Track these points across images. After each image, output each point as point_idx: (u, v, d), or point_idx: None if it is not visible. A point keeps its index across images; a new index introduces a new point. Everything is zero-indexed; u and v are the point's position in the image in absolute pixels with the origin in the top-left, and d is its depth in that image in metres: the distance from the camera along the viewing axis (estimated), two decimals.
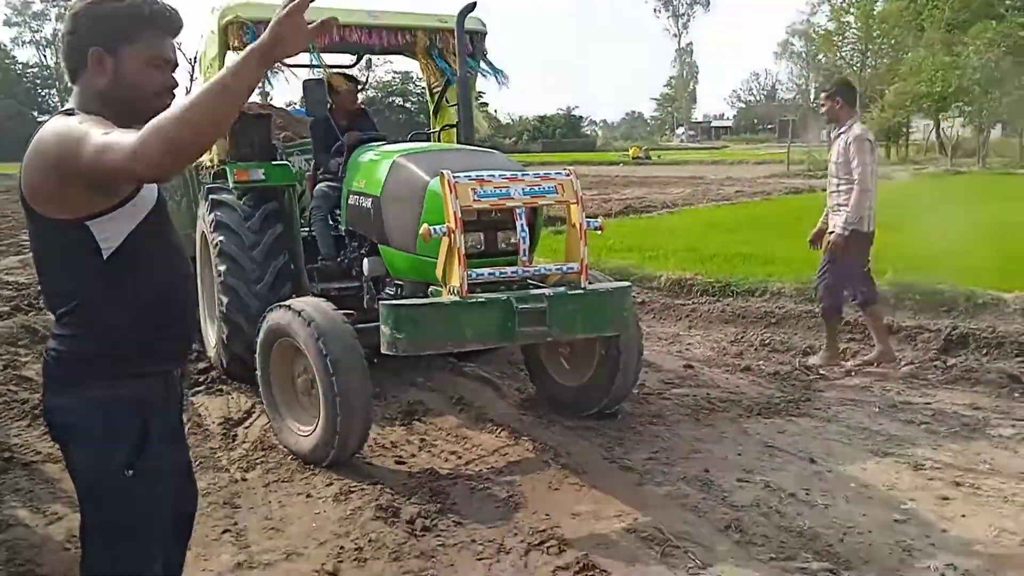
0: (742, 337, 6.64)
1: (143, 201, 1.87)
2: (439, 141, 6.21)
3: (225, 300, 5.29)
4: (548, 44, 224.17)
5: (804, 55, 54.68)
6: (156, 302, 1.93)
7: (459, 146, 5.13)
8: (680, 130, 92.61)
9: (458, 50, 5.21)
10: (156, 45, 1.88)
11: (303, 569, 3.19)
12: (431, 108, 6.79)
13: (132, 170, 1.62)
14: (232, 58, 5.43)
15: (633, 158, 51.89)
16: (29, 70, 74.44)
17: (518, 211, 3.93)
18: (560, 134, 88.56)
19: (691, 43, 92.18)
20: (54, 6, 75.03)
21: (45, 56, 75.80)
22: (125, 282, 1.85)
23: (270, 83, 6.03)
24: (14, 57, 73.28)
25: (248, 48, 1.62)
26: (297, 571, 3.19)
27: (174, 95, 1.99)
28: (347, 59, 6.99)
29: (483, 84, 6.35)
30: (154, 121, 1.58)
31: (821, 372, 5.63)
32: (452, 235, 3.77)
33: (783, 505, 3.60)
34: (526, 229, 3.94)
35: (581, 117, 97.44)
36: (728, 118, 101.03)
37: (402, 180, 4.39)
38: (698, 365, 5.91)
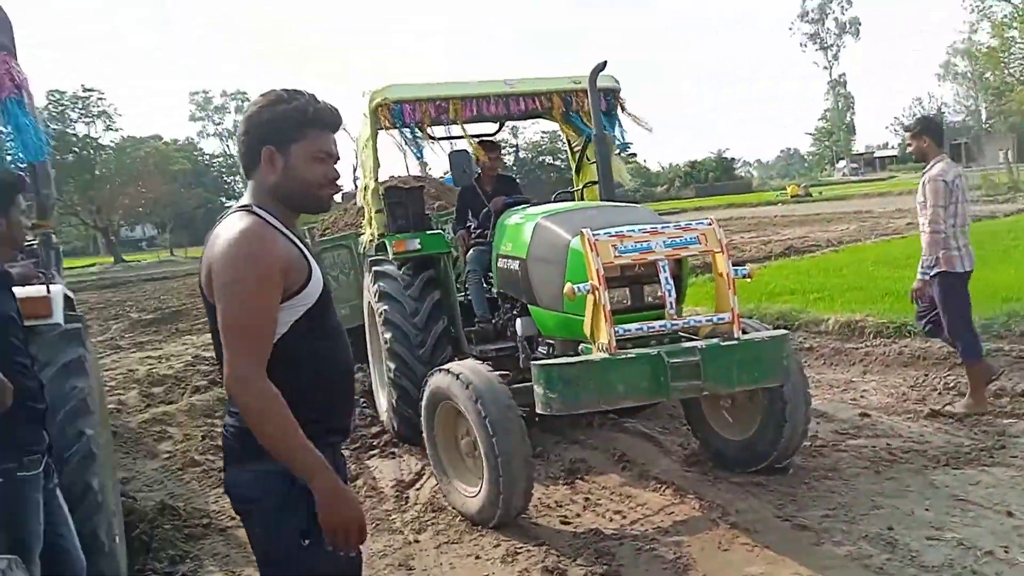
0: (923, 381, 6.18)
1: (307, 297, 2.01)
2: (583, 199, 6.30)
3: (392, 366, 5.57)
4: (695, 89, 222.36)
5: (969, 75, 51.18)
6: (320, 382, 2.05)
7: (600, 203, 5.19)
8: (841, 163, 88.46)
9: (592, 108, 5.31)
10: (320, 141, 2.05)
11: None
12: (574, 167, 6.92)
13: (227, 382, 1.90)
14: (381, 138, 5.87)
15: (792, 196, 50.00)
16: (215, 160, 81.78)
17: (661, 264, 3.91)
18: (713, 178, 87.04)
19: (843, 73, 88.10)
20: (233, 100, 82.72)
21: (228, 146, 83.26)
22: (291, 365, 1.99)
23: (419, 154, 6.36)
24: (200, 149, 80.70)
25: (315, 468, 1.88)
26: None
27: (337, 186, 2.17)
28: (490, 127, 7.28)
29: (632, 134, 6.43)
30: (269, 400, 1.86)
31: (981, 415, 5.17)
32: (596, 292, 3.80)
33: (980, 565, 3.29)
34: (671, 282, 3.91)
35: (733, 159, 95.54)
36: (892, 147, 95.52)
37: (545, 241, 4.49)
38: (875, 413, 5.55)
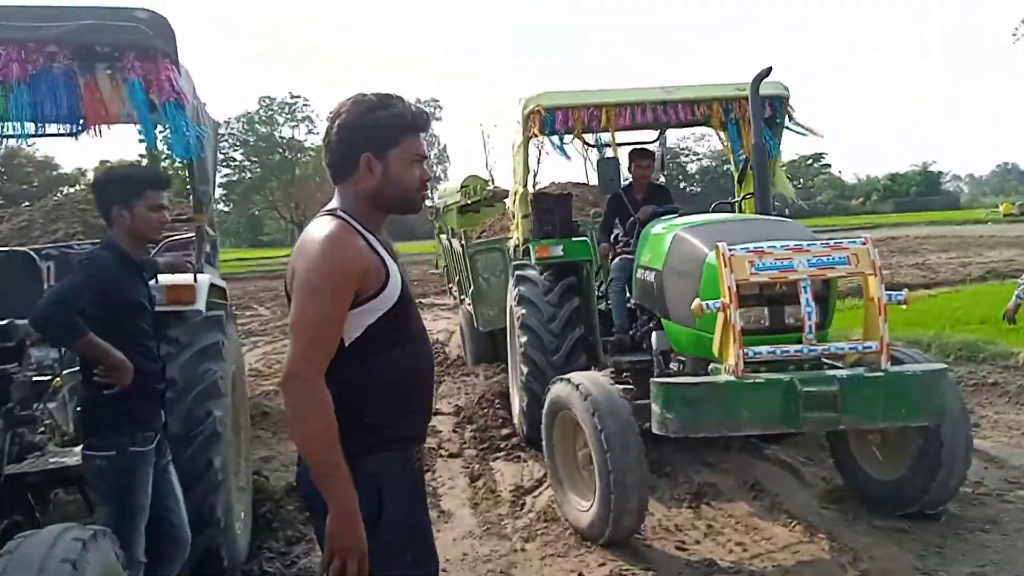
0: None
1: (384, 300, 1.99)
2: (742, 210, 6.00)
3: (525, 370, 5.56)
4: (899, 93, 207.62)
5: None
6: (393, 387, 2.04)
7: (748, 216, 4.91)
8: None
9: (752, 117, 5.02)
10: (415, 145, 2.05)
11: None
12: (735, 176, 6.61)
13: (283, 377, 1.92)
14: (532, 146, 5.88)
15: (1004, 215, 45.60)
16: None
17: (803, 284, 3.61)
18: (915, 192, 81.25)
19: None
20: (427, 106, 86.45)
21: None
22: (364, 368, 1.99)
23: (567, 158, 6.32)
24: None
25: (338, 488, 1.88)
26: None
27: (428, 187, 2.16)
28: (650, 135, 7.10)
29: (824, 144, 6.08)
30: (318, 404, 1.86)
31: None
32: (727, 310, 3.57)
33: None
34: (812, 304, 3.60)
35: (940, 172, 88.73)
36: None
37: (682, 253, 4.29)
38: None
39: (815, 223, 50.17)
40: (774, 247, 3.70)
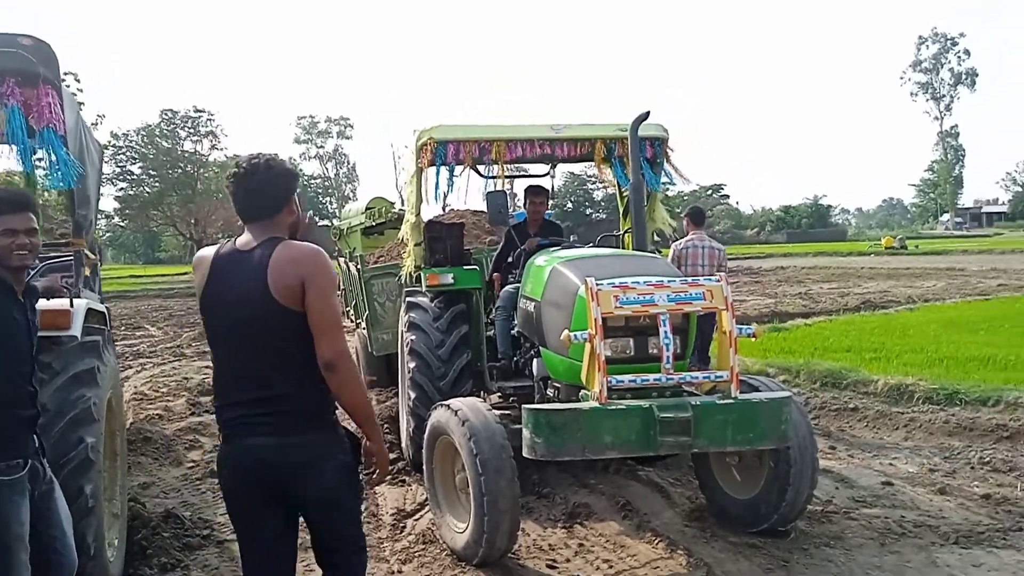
0: (960, 453, 5.91)
1: None
2: (623, 243, 6.32)
3: (413, 395, 5.68)
4: (793, 131, 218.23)
5: None
6: None
7: (618, 252, 5.21)
8: (944, 217, 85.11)
9: (631, 157, 5.34)
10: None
11: None
12: (620, 210, 6.94)
13: (336, 356, 2.54)
14: (426, 175, 6.04)
15: (886, 248, 48.33)
16: (313, 181, 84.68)
17: (662, 317, 3.90)
18: (806, 224, 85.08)
19: (956, 125, 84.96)
20: (336, 125, 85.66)
21: (327, 168, 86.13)
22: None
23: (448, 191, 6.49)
24: (301, 170, 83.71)
25: (379, 432, 2.76)
26: None
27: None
28: (542, 169, 7.39)
29: (723, 176, 6.47)
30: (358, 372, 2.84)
31: None
32: (593, 341, 3.82)
33: None
34: (670, 336, 3.89)
35: (830, 206, 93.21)
36: (1002, 202, 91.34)
37: (558, 285, 4.54)
38: (899, 483, 5.34)
39: None
40: (638, 282, 3.98)
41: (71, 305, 3.67)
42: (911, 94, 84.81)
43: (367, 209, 10.51)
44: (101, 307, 4.27)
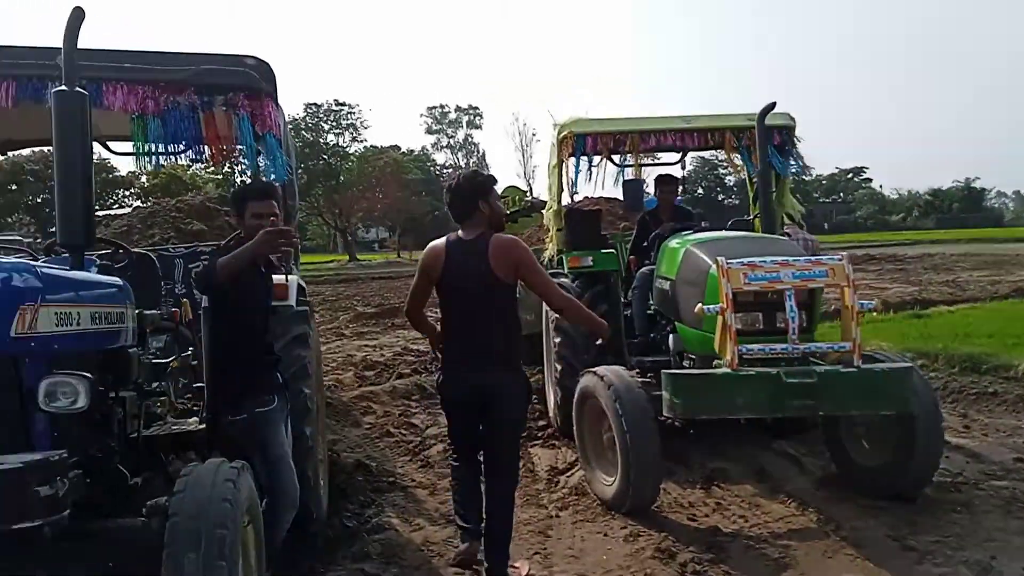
0: None
1: None
2: (754, 227, 6.68)
3: (559, 368, 6.30)
4: (943, 107, 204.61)
5: None
6: None
7: (748, 234, 5.61)
8: None
9: (759, 147, 5.73)
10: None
11: None
12: (750, 197, 7.29)
13: (559, 302, 3.87)
14: (566, 165, 6.61)
15: None
16: (444, 170, 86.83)
17: (787, 292, 4.32)
18: (958, 208, 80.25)
19: None
20: (465, 114, 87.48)
21: (457, 157, 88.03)
22: None
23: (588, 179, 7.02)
24: (433, 160, 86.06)
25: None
26: None
27: None
28: (674, 157, 7.83)
29: (865, 158, 6.78)
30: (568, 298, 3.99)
31: None
32: (724, 314, 4.29)
33: None
34: (795, 309, 4.30)
35: (984, 189, 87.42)
36: None
37: (692, 265, 5.02)
38: None
39: (851, 239, 50.34)
40: (765, 261, 4.41)
41: (287, 280, 4.48)
42: None
43: (501, 198, 11.19)
44: (303, 283, 5.09)
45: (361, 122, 63.31)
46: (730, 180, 74.86)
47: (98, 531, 2.83)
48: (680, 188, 7.18)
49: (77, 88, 3.05)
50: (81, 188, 3.11)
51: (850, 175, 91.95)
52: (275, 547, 3.51)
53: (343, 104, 60.13)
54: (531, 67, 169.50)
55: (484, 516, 3.90)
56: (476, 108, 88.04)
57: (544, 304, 7.08)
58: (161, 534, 2.60)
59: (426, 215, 61.71)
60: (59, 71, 3.18)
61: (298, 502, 3.80)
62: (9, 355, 2.59)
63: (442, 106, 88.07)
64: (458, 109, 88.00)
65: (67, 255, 3.28)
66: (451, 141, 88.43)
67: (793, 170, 6.71)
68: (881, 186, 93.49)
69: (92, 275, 3.28)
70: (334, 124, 60.04)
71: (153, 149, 4.12)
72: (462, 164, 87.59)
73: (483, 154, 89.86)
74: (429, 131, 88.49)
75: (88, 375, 2.70)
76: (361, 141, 62.84)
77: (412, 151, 79.70)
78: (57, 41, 3.09)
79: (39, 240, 4.49)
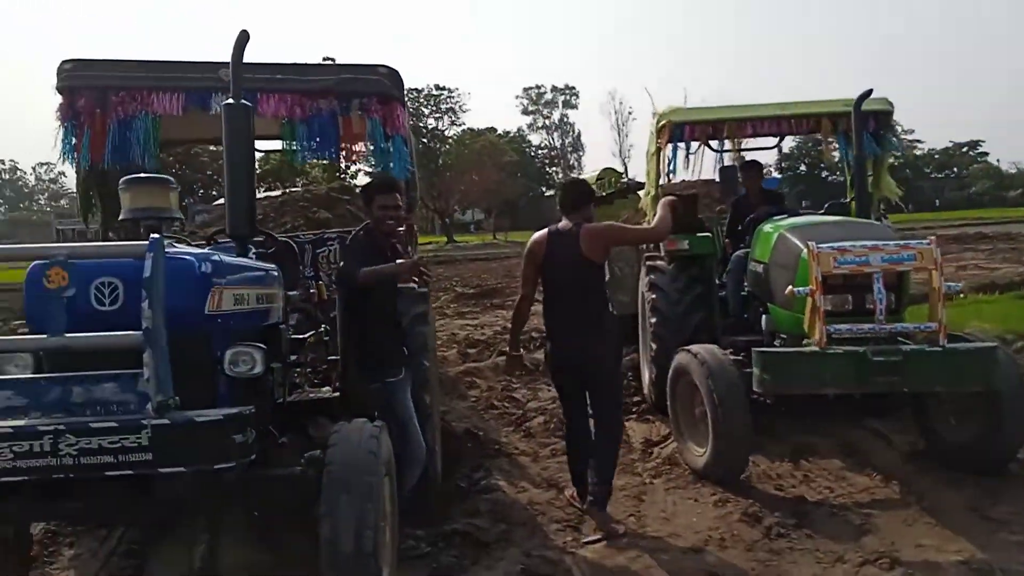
0: None
1: None
2: (850, 210, 6.82)
3: (654, 347, 6.64)
4: None
5: None
6: None
7: (840, 219, 5.79)
8: None
9: (854, 133, 5.90)
10: None
11: (681, 545, 4.27)
12: (848, 181, 7.41)
13: (657, 237, 5.16)
14: (664, 152, 6.90)
15: None
16: (540, 151, 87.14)
17: (876, 275, 4.55)
18: None
19: None
20: (561, 94, 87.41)
21: (552, 138, 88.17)
22: None
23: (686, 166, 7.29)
24: (528, 141, 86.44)
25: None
26: (676, 547, 4.26)
27: None
28: (771, 141, 7.99)
29: (982, 131, 6.87)
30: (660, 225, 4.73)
31: None
32: (814, 295, 4.56)
33: None
34: (883, 291, 4.53)
35: None
36: None
37: (784, 249, 5.28)
38: None
39: (964, 216, 48.07)
40: (855, 246, 4.64)
41: None
42: None
43: (598, 180, 11.36)
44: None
45: (460, 106, 64.35)
46: (835, 155, 72.45)
47: (263, 477, 3.39)
48: (763, 172, 7.38)
49: (243, 101, 3.60)
50: (246, 186, 3.68)
51: (965, 149, 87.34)
52: (402, 500, 4.03)
53: (443, 89, 61.23)
54: (628, 45, 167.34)
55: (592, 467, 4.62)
56: (572, 88, 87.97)
57: (639, 287, 7.51)
58: (315, 481, 3.14)
59: (520, 196, 62.18)
60: (218, 82, 3.73)
61: (423, 460, 4.33)
62: (204, 329, 3.16)
63: (538, 87, 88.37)
64: (554, 89, 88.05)
65: (229, 243, 3.87)
66: (547, 122, 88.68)
67: (890, 156, 6.80)
68: (999, 160, 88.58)
69: (256, 262, 3.85)
70: (433, 108, 61.22)
71: (299, 148, 4.69)
72: (557, 145, 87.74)
73: (578, 134, 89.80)
74: (525, 112, 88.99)
75: (263, 346, 3.25)
76: (460, 125, 63.89)
77: (508, 132, 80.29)
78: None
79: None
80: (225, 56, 3.59)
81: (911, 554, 3.95)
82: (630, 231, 4.97)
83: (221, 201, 9.04)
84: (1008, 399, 4.71)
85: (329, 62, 5.00)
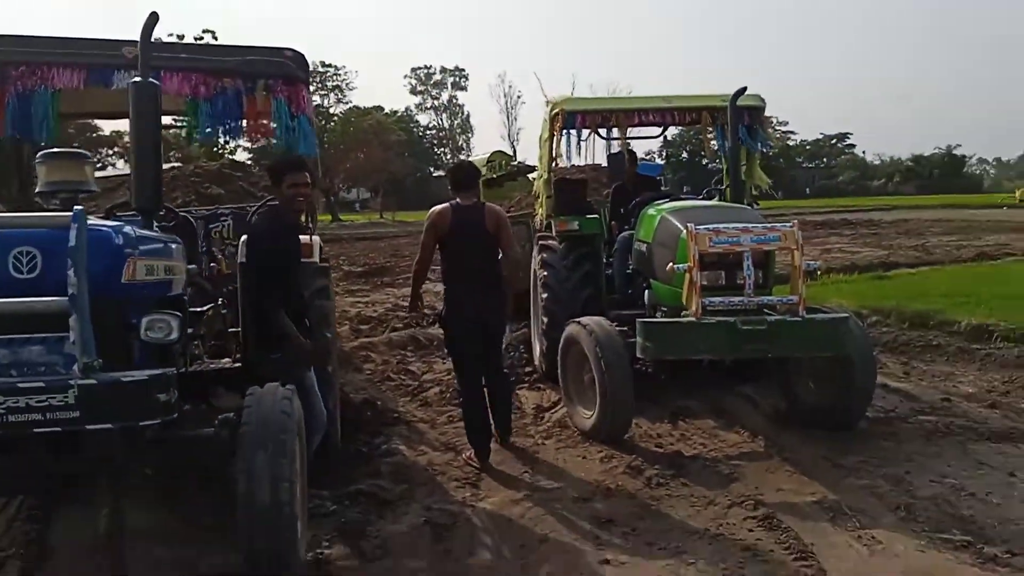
0: (1021, 380, 6.76)
1: None
2: (725, 196, 7.39)
3: (545, 320, 7.02)
4: (928, 74, 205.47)
5: None
6: None
7: (715, 203, 6.33)
8: None
9: (730, 124, 6.43)
10: None
11: (570, 495, 4.65)
12: (724, 169, 7.99)
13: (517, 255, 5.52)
14: (556, 139, 7.27)
15: (1020, 200, 46.31)
16: (428, 131, 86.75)
17: (745, 254, 5.05)
18: (939, 175, 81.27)
19: None
20: (451, 76, 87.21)
21: (441, 119, 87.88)
22: None
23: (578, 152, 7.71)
24: (417, 121, 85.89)
25: None
26: (568, 496, 4.64)
27: None
28: (656, 131, 8.51)
29: (849, 124, 7.47)
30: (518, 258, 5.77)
31: None
32: (691, 272, 5.02)
33: (959, 500, 4.26)
34: (751, 268, 5.05)
35: (964, 156, 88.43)
36: None
37: (665, 230, 5.73)
38: (957, 399, 6.28)
39: (831, 204, 51.30)
40: (728, 227, 5.13)
41: (311, 240, 5.16)
42: None
43: (488, 162, 11.69)
44: (321, 243, 5.76)
45: (347, 84, 63.23)
46: (714, 144, 75.53)
47: (179, 439, 3.54)
48: (637, 160, 7.97)
49: (150, 79, 3.68)
50: (152, 161, 3.77)
51: (834, 140, 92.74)
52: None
53: (329, 66, 60.02)
54: (518, 29, 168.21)
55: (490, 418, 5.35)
56: (462, 70, 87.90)
57: (531, 264, 7.90)
58: (228, 442, 3.32)
59: (407, 176, 61.75)
60: (121, 59, 3.79)
61: (325, 427, 4.53)
62: (119, 297, 3.27)
63: (427, 67, 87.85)
64: (443, 70, 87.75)
65: (131, 216, 3.95)
66: (436, 103, 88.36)
67: (761, 148, 7.40)
68: (864, 152, 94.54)
69: (162, 234, 3.94)
70: (319, 85, 59.94)
71: (202, 125, 4.74)
72: (446, 126, 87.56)
73: (468, 116, 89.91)
74: (413, 91, 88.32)
75: (179, 314, 3.38)
76: (346, 103, 62.83)
77: (396, 112, 79.49)
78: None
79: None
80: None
81: (773, 497, 4.47)
82: (511, 235, 5.42)
83: (110, 173, 8.83)
84: (859, 364, 5.33)
85: (208, 34, 5.07)
